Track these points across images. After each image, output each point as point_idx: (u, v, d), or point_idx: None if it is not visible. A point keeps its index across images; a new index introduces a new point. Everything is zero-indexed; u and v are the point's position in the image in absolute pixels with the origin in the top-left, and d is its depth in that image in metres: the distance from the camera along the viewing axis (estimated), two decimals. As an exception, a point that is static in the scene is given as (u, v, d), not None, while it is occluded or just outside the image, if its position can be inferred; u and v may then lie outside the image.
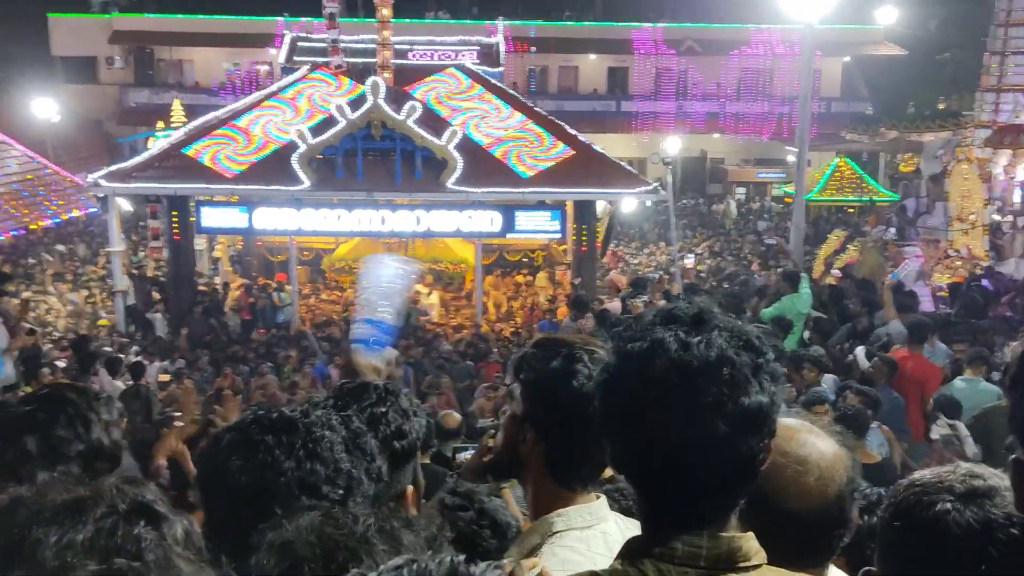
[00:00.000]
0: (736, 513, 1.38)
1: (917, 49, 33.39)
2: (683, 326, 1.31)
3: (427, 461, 5.04)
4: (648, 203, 18.85)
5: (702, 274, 21.77)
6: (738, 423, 1.28)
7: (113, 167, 18.31)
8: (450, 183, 17.55)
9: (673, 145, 30.07)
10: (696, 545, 1.32)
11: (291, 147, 17.49)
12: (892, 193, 26.17)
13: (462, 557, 0.99)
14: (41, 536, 0.91)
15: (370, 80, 17.66)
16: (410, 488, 2.25)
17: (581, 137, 19.31)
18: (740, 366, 1.29)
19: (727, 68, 34.34)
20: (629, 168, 19.44)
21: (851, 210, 27.64)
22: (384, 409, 2.13)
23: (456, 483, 3.25)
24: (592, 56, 35.28)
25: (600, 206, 19.59)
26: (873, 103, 34.36)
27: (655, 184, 18.83)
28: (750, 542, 1.36)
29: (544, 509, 1.93)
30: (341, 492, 1.44)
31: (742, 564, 1.33)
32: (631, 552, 1.38)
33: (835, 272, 15.28)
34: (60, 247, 23.07)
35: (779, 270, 11.96)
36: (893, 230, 19.63)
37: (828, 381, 7.67)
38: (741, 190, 35.06)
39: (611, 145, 23.70)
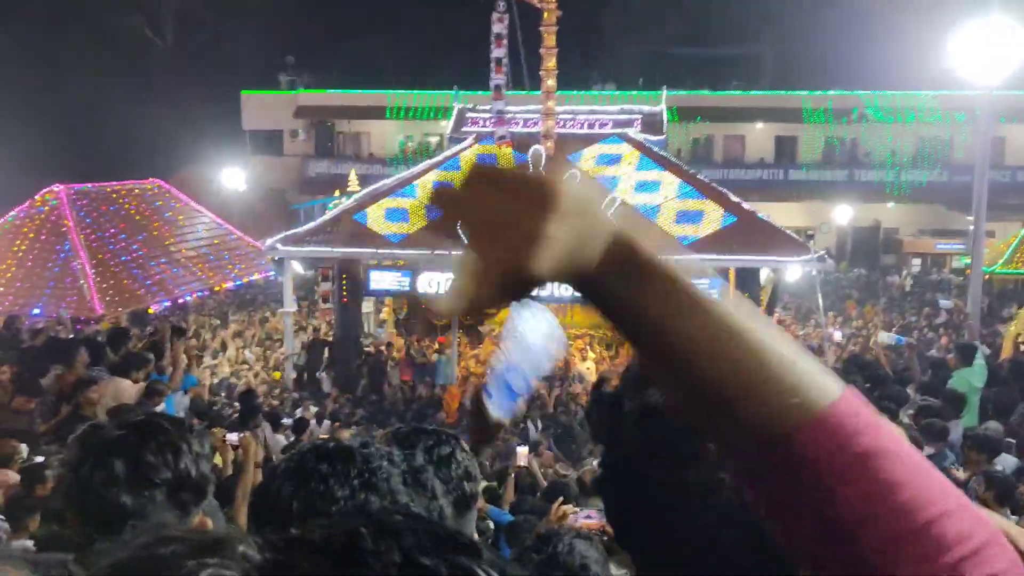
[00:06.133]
0: None
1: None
2: None
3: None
4: (813, 272, 18.18)
5: (873, 348, 20.70)
6: None
7: (288, 232, 19.29)
8: (609, 249, 17.51)
9: (843, 214, 29.09)
10: None
11: (454, 213, 17.94)
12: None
13: None
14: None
15: (532, 148, 18.00)
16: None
17: (745, 205, 18.96)
18: None
19: (903, 135, 33.12)
20: (794, 236, 18.91)
21: (1041, 284, 25.82)
22: (450, 450, 2.07)
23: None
24: (759, 125, 34.77)
25: (764, 274, 19.09)
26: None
27: (821, 252, 18.24)
28: None
29: None
30: None
31: None
32: None
33: (1024, 346, 14.21)
34: (239, 309, 24.47)
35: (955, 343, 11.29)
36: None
37: (1006, 462, 7.14)
38: (916, 261, 33.40)
39: (778, 214, 23.08)
